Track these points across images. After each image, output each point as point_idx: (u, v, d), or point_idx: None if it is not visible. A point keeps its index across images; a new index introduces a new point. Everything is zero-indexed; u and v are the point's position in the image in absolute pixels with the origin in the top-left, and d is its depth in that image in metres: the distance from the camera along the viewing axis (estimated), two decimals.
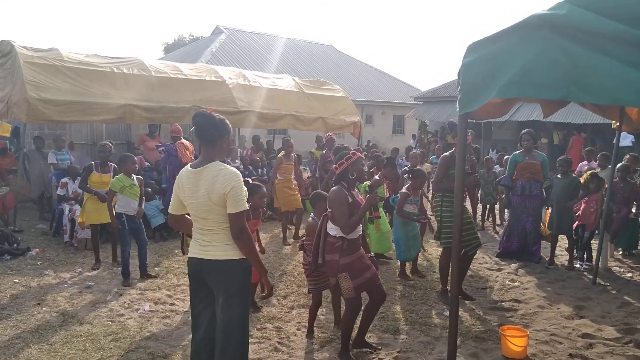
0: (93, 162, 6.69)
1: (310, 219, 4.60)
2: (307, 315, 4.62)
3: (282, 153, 8.26)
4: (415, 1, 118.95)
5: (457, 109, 3.00)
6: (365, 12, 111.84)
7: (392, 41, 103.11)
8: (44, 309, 4.98)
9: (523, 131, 6.99)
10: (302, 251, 4.60)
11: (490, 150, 16.82)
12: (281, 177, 8.08)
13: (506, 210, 8.48)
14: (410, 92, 27.35)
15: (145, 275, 6.01)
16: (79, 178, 8.08)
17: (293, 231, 8.35)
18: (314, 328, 4.50)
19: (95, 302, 5.21)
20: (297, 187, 8.41)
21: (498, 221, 9.42)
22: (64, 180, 8.01)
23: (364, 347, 4.13)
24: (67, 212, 7.61)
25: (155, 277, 6.02)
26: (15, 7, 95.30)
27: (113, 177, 6.07)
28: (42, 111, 7.75)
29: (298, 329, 4.59)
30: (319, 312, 4.65)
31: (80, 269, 6.33)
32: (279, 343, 4.29)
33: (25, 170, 9.64)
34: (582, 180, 6.78)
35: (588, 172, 6.90)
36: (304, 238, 4.61)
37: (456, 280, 3.17)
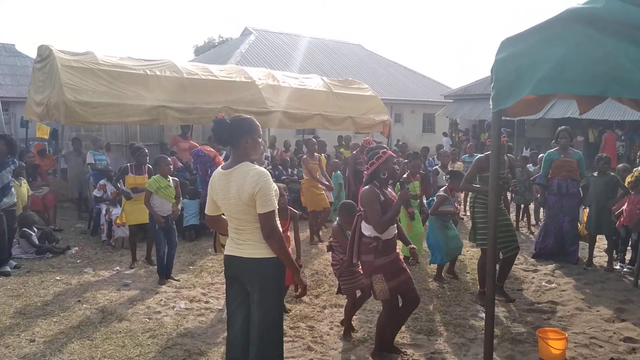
0: (128, 164, 6.83)
1: (335, 224, 4.57)
2: (340, 315, 4.62)
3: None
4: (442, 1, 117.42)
5: (491, 106, 2.96)
6: (393, 10, 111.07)
7: (421, 39, 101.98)
8: (84, 305, 5.14)
9: (560, 128, 6.81)
10: (330, 251, 4.58)
11: (524, 149, 16.48)
12: (307, 177, 8.11)
13: (541, 209, 8.29)
14: (440, 90, 27.02)
15: (169, 278, 5.99)
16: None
17: (324, 230, 8.36)
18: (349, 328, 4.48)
19: (133, 299, 5.34)
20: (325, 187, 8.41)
21: (533, 221, 9.23)
22: (102, 182, 8.24)
23: (392, 352, 4.07)
24: (104, 212, 7.82)
25: (178, 281, 5.99)
26: (52, 11, 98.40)
27: (148, 179, 6.19)
28: (79, 113, 7.99)
29: (331, 329, 4.61)
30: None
31: (118, 268, 6.51)
32: (312, 342, 4.31)
33: (64, 171, 9.94)
34: (628, 180, 6.48)
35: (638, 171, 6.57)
36: (331, 239, 4.60)
37: (491, 281, 3.12)
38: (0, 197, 6.17)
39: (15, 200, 6.55)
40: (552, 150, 6.91)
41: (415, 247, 4.22)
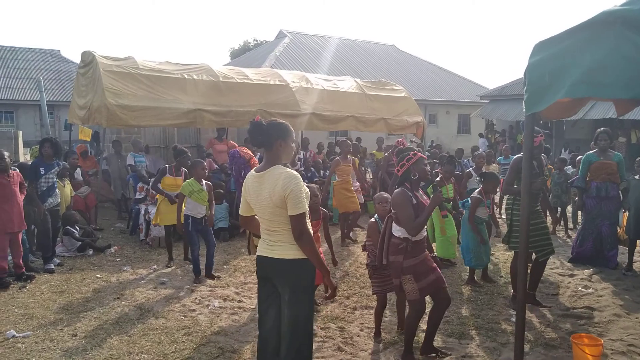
0: (167, 166, 7.03)
1: (372, 219, 4.61)
2: (371, 317, 4.64)
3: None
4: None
5: (524, 110, 2.94)
6: (429, 11, 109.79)
7: (457, 39, 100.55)
8: (123, 302, 5.33)
9: (599, 130, 6.63)
10: (365, 252, 4.63)
11: (563, 150, 16.07)
12: (339, 179, 8.14)
13: (579, 213, 8.08)
14: (476, 90, 26.60)
15: (209, 276, 6.18)
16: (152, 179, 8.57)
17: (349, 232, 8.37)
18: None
19: (169, 297, 5.51)
20: (360, 189, 8.44)
21: (570, 225, 9.00)
22: (141, 184, 8.50)
23: (432, 353, 4.07)
24: (142, 212, 8.08)
25: (219, 277, 6.20)
26: (96, 18, 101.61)
27: (184, 181, 6.36)
28: (120, 116, 8.28)
29: (361, 330, 4.63)
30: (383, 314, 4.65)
31: (155, 266, 6.71)
32: (342, 342, 4.35)
33: (105, 172, 10.30)
34: None
35: None
36: (366, 239, 4.62)
37: (522, 285, 3.10)
38: (46, 198, 6.47)
39: (59, 200, 6.84)
40: (591, 152, 6.73)
41: (437, 255, 4.21)
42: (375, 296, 4.60)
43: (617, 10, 2.53)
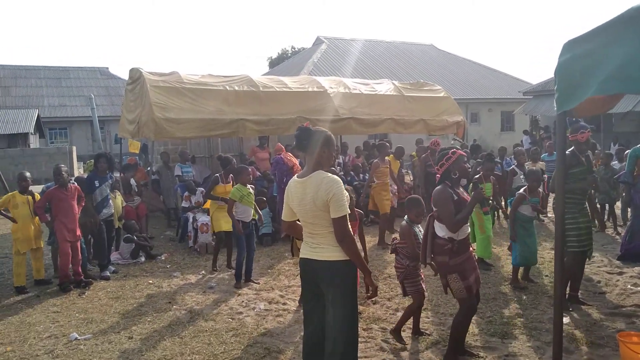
0: (218, 175, 7.26)
1: (403, 222, 4.58)
2: (412, 318, 4.70)
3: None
4: None
5: (555, 108, 2.96)
6: (468, 7, 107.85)
7: (497, 35, 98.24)
8: (174, 307, 5.60)
9: None
10: (394, 254, 4.61)
11: (612, 144, 15.48)
12: (378, 181, 8.19)
13: (628, 209, 7.83)
14: (519, 86, 25.97)
15: (249, 281, 6.33)
16: (200, 189, 8.90)
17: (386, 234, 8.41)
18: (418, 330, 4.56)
19: (217, 301, 5.75)
20: (396, 193, 8.47)
21: (620, 221, 8.71)
22: (186, 194, 8.84)
23: (464, 355, 4.06)
24: (191, 220, 8.41)
25: (258, 283, 6.33)
26: (142, 35, 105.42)
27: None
28: (167, 129, 8.65)
29: (403, 330, 4.69)
30: (422, 314, 4.69)
31: (203, 272, 6.99)
32: (384, 342, 4.44)
33: (154, 183, 10.74)
34: None
35: None
36: (396, 241, 4.62)
37: (559, 282, 3.11)
38: (101, 209, 6.86)
39: (113, 211, 7.24)
40: (638, 146, 6.54)
41: (475, 250, 4.20)
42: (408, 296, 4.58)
43: None
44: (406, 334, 4.60)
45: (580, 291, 5.24)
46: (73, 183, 6.52)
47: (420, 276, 4.42)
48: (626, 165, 6.72)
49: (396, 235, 8.61)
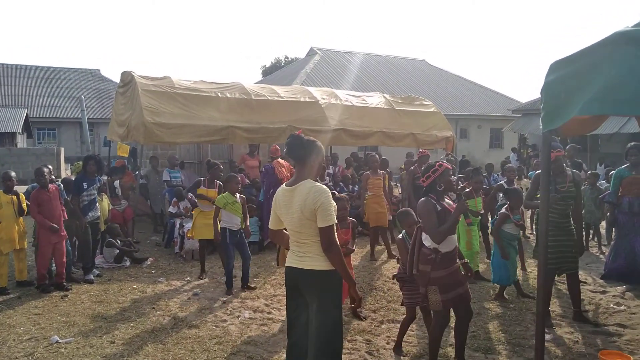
0: (202, 178, 7.32)
1: (399, 236, 4.66)
2: (397, 330, 4.71)
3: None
4: (510, 12, 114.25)
5: (540, 127, 3.02)
6: (459, 25, 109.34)
7: (488, 53, 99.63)
8: (158, 312, 5.56)
9: (630, 145, 6.58)
10: (398, 264, 4.71)
11: (598, 165, 15.72)
12: (371, 193, 8.23)
13: (613, 229, 7.93)
14: (508, 104, 26.34)
15: (246, 287, 6.40)
16: (190, 194, 8.88)
17: (382, 248, 8.45)
18: (402, 343, 4.56)
19: (202, 308, 5.71)
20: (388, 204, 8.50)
21: (604, 241, 8.82)
22: (174, 199, 8.81)
23: None
24: (177, 226, 8.37)
25: (255, 288, 6.42)
26: (134, 38, 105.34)
27: (218, 194, 6.60)
28: (157, 134, 8.62)
29: (387, 343, 4.70)
30: (409, 327, 4.70)
31: (188, 278, 6.95)
32: (367, 354, 4.44)
33: (142, 187, 10.67)
34: None
35: None
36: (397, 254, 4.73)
37: (542, 299, 3.15)
38: (87, 211, 6.81)
39: (99, 214, 7.18)
40: (623, 167, 6.66)
41: (468, 261, 4.25)
42: (404, 308, 4.64)
43: (631, 31, 2.62)
44: (390, 346, 4.61)
45: (555, 310, 5.27)
46: (55, 183, 6.48)
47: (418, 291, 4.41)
48: (610, 186, 6.83)
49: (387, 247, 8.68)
